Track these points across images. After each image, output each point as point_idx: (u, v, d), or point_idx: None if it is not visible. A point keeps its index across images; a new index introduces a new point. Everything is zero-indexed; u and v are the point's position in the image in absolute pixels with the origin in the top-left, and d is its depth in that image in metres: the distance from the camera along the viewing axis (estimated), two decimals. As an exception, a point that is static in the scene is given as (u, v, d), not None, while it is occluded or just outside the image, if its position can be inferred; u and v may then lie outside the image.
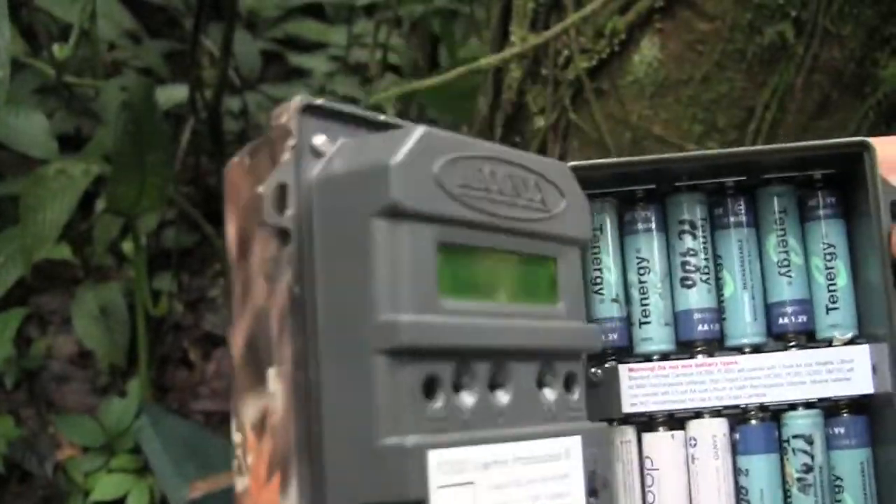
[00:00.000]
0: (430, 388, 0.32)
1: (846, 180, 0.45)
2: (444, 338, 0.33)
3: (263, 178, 0.33)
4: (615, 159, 0.43)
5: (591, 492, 0.37)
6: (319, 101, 0.34)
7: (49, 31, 1.30)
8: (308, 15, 1.91)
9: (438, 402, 0.33)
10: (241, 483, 0.34)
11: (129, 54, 1.60)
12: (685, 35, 0.84)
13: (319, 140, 0.34)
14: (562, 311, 0.38)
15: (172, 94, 1.50)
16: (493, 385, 0.35)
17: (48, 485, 1.45)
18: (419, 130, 0.33)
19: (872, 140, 0.42)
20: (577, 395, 0.38)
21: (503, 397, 0.35)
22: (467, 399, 0.34)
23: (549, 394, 0.37)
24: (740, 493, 0.44)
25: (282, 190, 0.33)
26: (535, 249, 0.37)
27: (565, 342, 0.37)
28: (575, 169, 0.41)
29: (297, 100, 0.33)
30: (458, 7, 1.74)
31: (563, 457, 0.36)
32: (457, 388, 0.33)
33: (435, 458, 0.31)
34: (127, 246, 1.58)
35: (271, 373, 0.33)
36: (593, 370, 0.44)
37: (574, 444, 0.36)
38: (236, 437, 0.34)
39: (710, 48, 0.83)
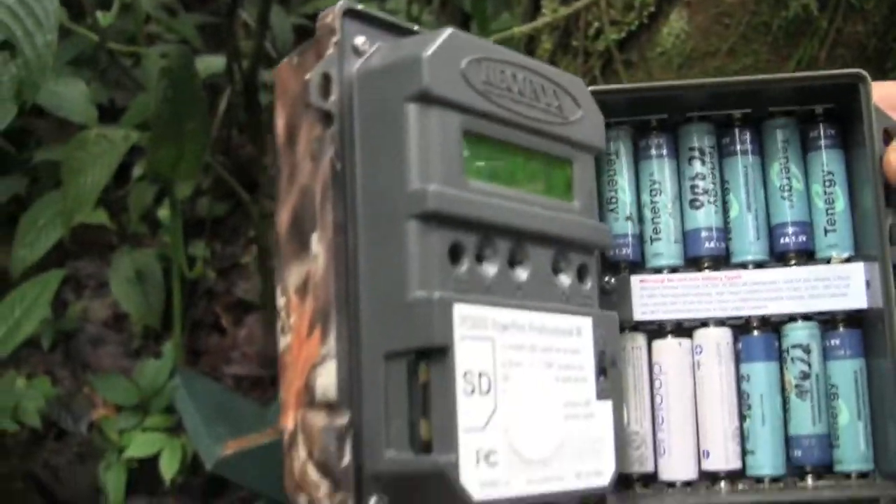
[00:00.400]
0: (455, 253, 0.37)
1: (845, 114, 0.48)
2: (467, 209, 0.37)
3: (310, 72, 0.38)
4: (629, 84, 0.47)
5: (601, 370, 0.41)
6: (360, 7, 0.38)
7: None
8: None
9: (463, 267, 0.37)
10: (283, 341, 0.39)
11: (162, 28, 1.65)
12: (712, 8, 0.87)
13: (359, 40, 0.38)
14: (576, 208, 0.42)
15: (210, 63, 1.52)
16: (513, 262, 0.39)
17: (83, 442, 1.51)
18: (448, 30, 0.37)
19: (873, 82, 0.46)
20: (588, 285, 0.42)
21: (521, 274, 0.39)
22: (489, 269, 0.38)
23: (564, 279, 0.41)
24: (742, 398, 0.48)
25: (326, 79, 0.37)
26: (552, 150, 0.41)
27: (579, 234, 0.41)
28: (593, 93, 0.45)
29: (341, 3, 0.38)
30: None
31: (575, 333, 0.40)
32: (479, 258, 0.38)
33: (459, 311, 0.35)
34: (162, 213, 1.63)
35: (314, 238, 0.37)
36: (607, 279, 0.48)
37: (585, 324, 0.40)
38: (280, 301, 0.39)
39: (736, 21, 0.86)
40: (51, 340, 1.60)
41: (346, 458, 0.36)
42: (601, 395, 0.41)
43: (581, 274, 0.42)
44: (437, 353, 0.35)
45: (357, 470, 0.36)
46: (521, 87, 0.40)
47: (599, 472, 0.40)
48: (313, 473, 0.37)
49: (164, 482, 1.43)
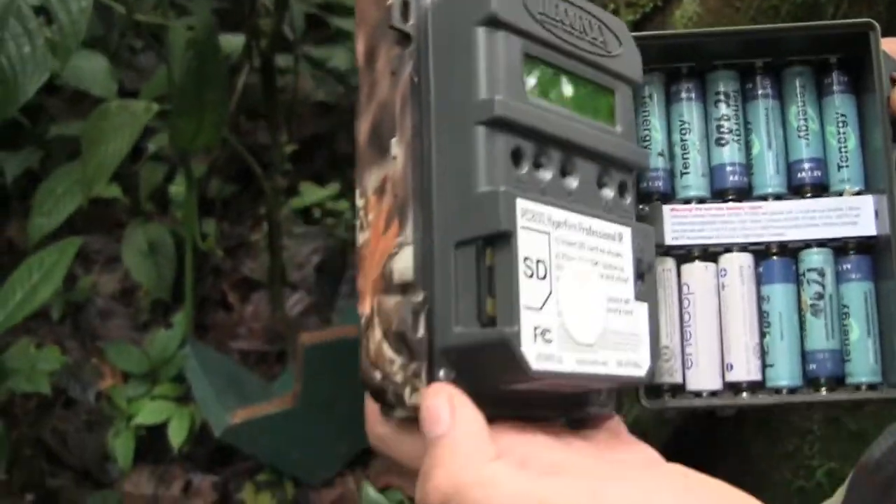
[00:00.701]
0: (516, 157, 0.42)
1: (857, 62, 0.54)
2: (527, 119, 0.42)
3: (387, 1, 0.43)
4: (663, 31, 0.53)
5: (639, 275, 0.46)
6: None
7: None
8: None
9: (523, 170, 0.42)
10: (362, 237, 0.45)
11: (174, 15, 1.69)
12: (728, -8, 0.92)
13: None
14: (618, 131, 0.47)
15: (229, 42, 1.57)
16: (564, 172, 0.44)
17: (91, 411, 1.55)
18: None
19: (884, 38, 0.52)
20: (628, 200, 0.47)
21: (571, 182, 0.44)
22: (544, 174, 0.43)
23: (607, 192, 0.46)
24: (762, 316, 0.53)
25: (405, 5, 0.43)
26: (597, 78, 0.47)
27: (620, 154, 0.46)
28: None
29: None
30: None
31: (618, 239, 0.45)
32: (536, 165, 0.43)
33: (520, 204, 0.41)
34: (174, 189, 1.67)
35: (394, 141, 0.43)
36: (641, 206, 0.53)
37: (626, 232, 0.46)
38: (360, 202, 0.44)
39: (746, 4, 0.91)
40: (60, 312, 1.64)
41: (421, 331, 0.41)
42: (639, 296, 0.46)
43: (622, 189, 0.47)
44: (502, 240, 0.40)
45: (429, 343, 0.41)
46: (571, 21, 0.45)
47: (638, 365, 0.45)
48: (388, 350, 0.42)
49: (171, 450, 1.47)
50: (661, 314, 0.53)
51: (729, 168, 0.54)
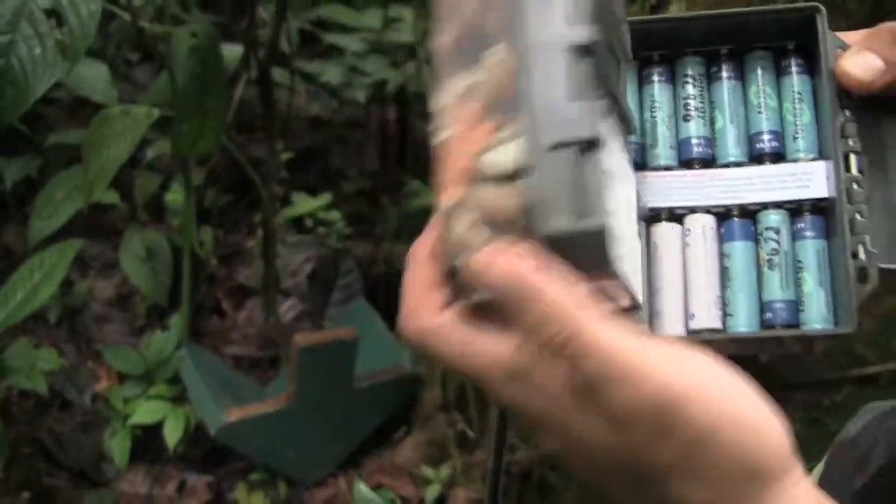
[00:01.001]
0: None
1: (811, 47, 0.60)
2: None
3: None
4: (631, 18, 0.59)
5: None
6: None
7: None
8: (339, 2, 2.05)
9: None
10: (441, 136, 0.50)
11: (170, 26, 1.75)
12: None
13: None
14: None
15: (228, 52, 1.63)
16: None
17: (86, 412, 1.60)
18: None
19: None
20: None
21: None
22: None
23: None
24: (724, 272, 0.59)
25: None
26: None
27: None
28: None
29: None
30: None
31: None
32: None
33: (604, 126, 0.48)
34: (170, 197, 1.72)
35: (490, 53, 0.49)
36: None
37: None
38: (437, 106, 0.50)
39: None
40: (57, 315, 1.69)
41: (523, 220, 0.46)
42: None
43: None
44: (591, 145, 0.46)
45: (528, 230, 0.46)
46: None
47: None
48: (478, 237, 0.47)
49: (166, 450, 1.51)
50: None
51: (694, 140, 0.60)
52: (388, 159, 2.07)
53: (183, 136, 1.36)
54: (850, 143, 0.57)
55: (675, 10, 1.00)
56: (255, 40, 1.55)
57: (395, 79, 1.92)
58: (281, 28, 1.48)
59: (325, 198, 1.89)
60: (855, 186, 0.57)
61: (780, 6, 0.59)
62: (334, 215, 1.89)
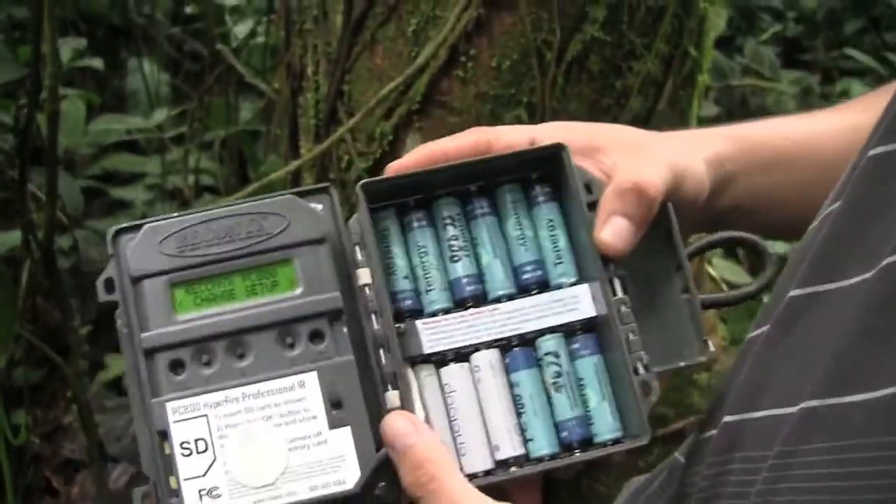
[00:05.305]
0: (175, 366, 0.58)
1: (556, 174, 0.64)
2: (177, 336, 0.58)
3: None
4: (384, 177, 0.62)
5: (334, 405, 0.58)
6: None
7: None
8: (122, 149, 2.05)
9: (183, 374, 0.58)
10: None
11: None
12: (441, 129, 1.03)
13: None
14: (299, 293, 0.59)
15: (6, 239, 1.62)
16: (238, 353, 0.59)
17: None
18: (145, 227, 0.59)
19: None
20: (324, 343, 0.59)
21: (243, 360, 0.59)
22: (208, 368, 0.58)
23: (294, 349, 0.59)
24: (517, 400, 0.62)
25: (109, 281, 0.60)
26: (263, 261, 0.60)
27: (302, 311, 0.59)
28: (365, 184, 0.61)
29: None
30: (258, 127, 1.92)
31: (298, 387, 0.58)
32: (203, 363, 0.58)
33: (171, 406, 0.57)
34: (-21, 387, 1.65)
35: None
36: (398, 325, 0.61)
37: (310, 377, 0.58)
38: None
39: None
40: None
41: None
42: (336, 423, 0.58)
43: (315, 336, 0.59)
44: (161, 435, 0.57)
45: None
46: (216, 234, 0.59)
47: (341, 482, 0.57)
48: None
49: None
50: (430, 413, 0.61)
51: (465, 280, 0.63)
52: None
53: (-30, 339, 1.32)
54: (612, 268, 0.62)
55: (411, 144, 1.03)
56: (32, 224, 1.51)
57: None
58: (55, 204, 1.45)
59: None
60: (623, 308, 0.61)
61: (523, 150, 0.62)
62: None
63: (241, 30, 2.19)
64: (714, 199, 0.68)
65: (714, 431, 0.58)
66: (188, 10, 2.39)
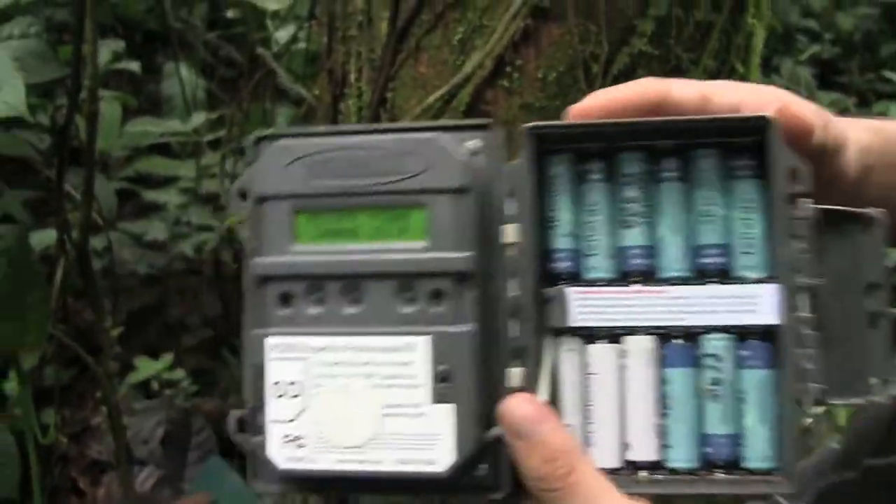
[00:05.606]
0: (284, 299, 0.55)
1: (762, 147, 0.57)
2: (292, 268, 0.55)
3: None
4: (567, 122, 0.57)
5: (442, 378, 0.53)
6: None
7: None
8: (155, 152, 2.02)
9: (289, 309, 0.55)
10: None
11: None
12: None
13: None
14: (423, 245, 0.55)
15: (42, 237, 1.66)
16: (350, 298, 0.55)
17: None
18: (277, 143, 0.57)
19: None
20: (442, 307, 0.55)
21: (353, 307, 0.55)
22: (316, 307, 0.55)
23: (409, 306, 0.54)
24: (663, 399, 0.57)
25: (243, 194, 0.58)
26: (395, 203, 0.55)
27: (425, 267, 0.54)
28: (534, 128, 0.56)
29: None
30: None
31: (406, 350, 0.54)
32: (315, 300, 0.55)
33: (271, 340, 0.55)
34: (10, 385, 1.62)
35: None
36: (546, 290, 0.57)
37: (420, 341, 0.54)
38: None
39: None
40: None
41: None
42: (439, 398, 0.53)
43: (436, 296, 0.55)
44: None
45: None
46: (350, 163, 0.55)
47: (431, 462, 0.53)
48: None
49: None
50: (564, 393, 0.57)
51: (635, 250, 0.58)
52: (228, 301, 2.00)
53: (5, 337, 1.29)
54: (804, 277, 0.55)
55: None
56: (67, 223, 1.49)
57: (219, 226, 1.89)
58: (91, 205, 1.43)
59: (167, 360, 1.93)
60: (805, 327, 0.54)
61: (728, 115, 0.57)
62: (178, 374, 1.91)
63: (281, 35, 2.16)
64: (855, 188, 0.63)
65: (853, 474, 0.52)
66: (229, 14, 2.36)
